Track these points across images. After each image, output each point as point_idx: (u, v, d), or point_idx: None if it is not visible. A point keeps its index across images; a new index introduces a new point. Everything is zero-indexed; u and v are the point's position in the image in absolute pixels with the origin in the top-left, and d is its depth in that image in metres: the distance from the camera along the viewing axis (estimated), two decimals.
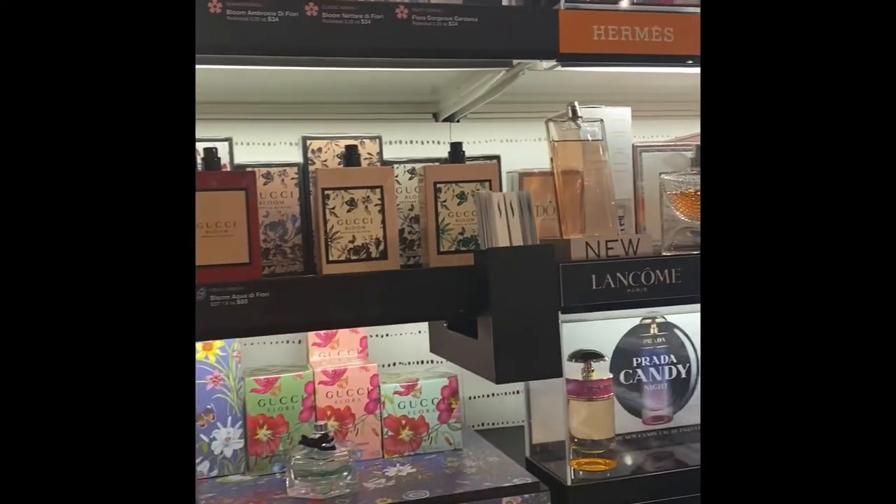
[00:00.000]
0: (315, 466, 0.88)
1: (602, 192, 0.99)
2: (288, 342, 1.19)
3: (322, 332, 1.08)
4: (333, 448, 0.90)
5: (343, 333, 1.09)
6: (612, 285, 0.89)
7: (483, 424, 1.28)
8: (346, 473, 0.89)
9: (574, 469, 0.95)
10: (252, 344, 1.16)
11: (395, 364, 1.23)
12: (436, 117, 1.27)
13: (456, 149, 0.94)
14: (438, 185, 0.91)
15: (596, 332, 1.04)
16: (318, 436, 0.90)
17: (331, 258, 0.86)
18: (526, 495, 0.88)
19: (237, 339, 1.00)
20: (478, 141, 1.27)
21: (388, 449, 1.03)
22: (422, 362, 1.24)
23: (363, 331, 1.10)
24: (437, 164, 0.95)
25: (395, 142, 1.24)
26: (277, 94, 1.11)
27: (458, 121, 1.26)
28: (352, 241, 0.86)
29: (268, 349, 1.17)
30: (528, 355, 0.81)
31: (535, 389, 1.04)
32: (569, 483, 0.90)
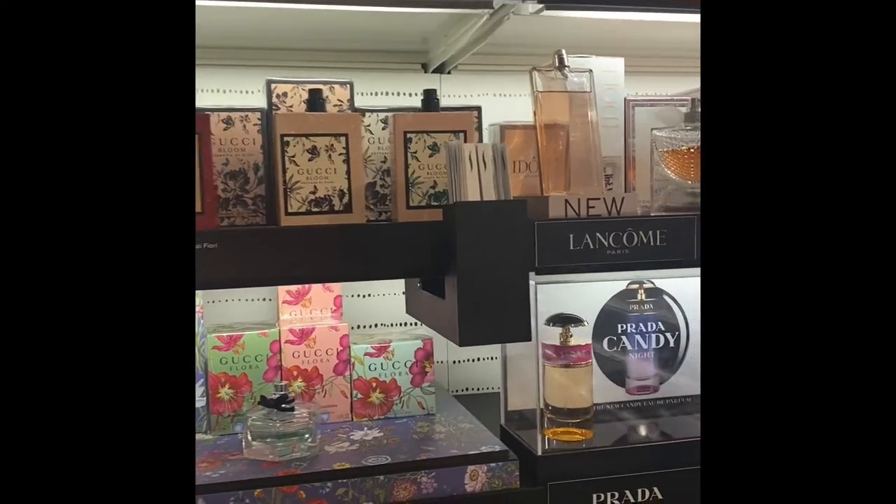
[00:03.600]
0: (273, 428, 0.84)
1: (589, 148, 0.93)
2: (257, 300, 1.15)
3: (293, 290, 1.04)
4: (293, 409, 0.86)
5: (316, 292, 1.05)
6: (591, 246, 0.83)
7: (467, 389, 1.24)
8: (307, 436, 0.85)
9: (548, 438, 0.91)
10: (220, 301, 1.12)
11: (372, 325, 1.19)
12: (425, 69, 1.21)
13: (429, 96, 0.88)
14: (409, 135, 0.85)
15: (579, 295, 0.99)
16: (276, 396, 0.86)
17: (290, 210, 0.81)
18: (493, 464, 0.83)
19: (199, 294, 0.95)
20: (469, 94, 1.21)
21: (358, 412, 0.99)
22: (403, 324, 1.19)
23: (337, 289, 1.06)
24: (408, 112, 0.89)
25: (383, 93, 1.19)
26: (249, 38, 1.06)
27: (448, 72, 1.20)
28: (313, 193, 0.81)
29: (237, 307, 1.14)
30: (495, 317, 0.76)
31: (514, 354, 0.99)
32: (539, 452, 0.86)
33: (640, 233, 0.85)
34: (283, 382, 0.89)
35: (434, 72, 1.20)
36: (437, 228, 0.80)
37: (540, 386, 0.91)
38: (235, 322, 1.03)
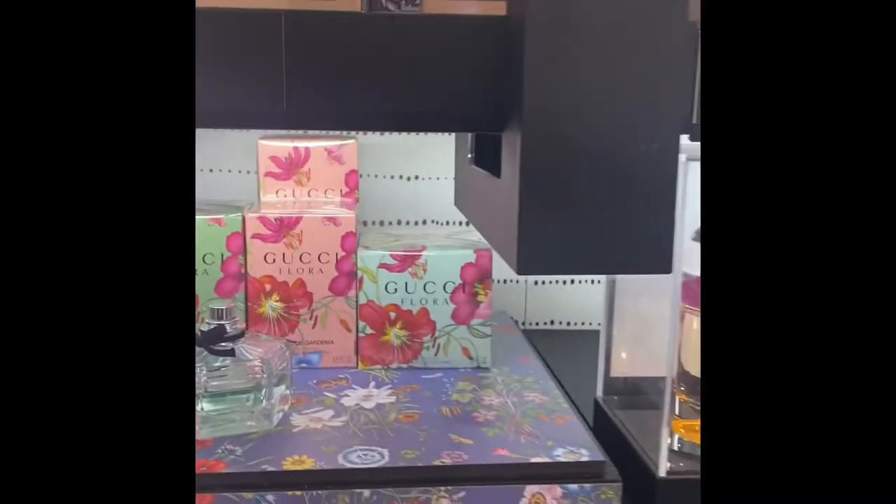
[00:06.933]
0: (198, 381, 0.49)
1: None
2: (225, 170, 0.80)
3: (283, 155, 0.67)
4: (232, 352, 0.50)
5: (318, 162, 0.67)
6: None
7: (552, 323, 0.86)
8: (255, 399, 0.50)
9: (680, 437, 0.52)
10: None
11: (399, 222, 0.82)
12: None
13: None
14: None
15: None
16: (211, 326, 0.51)
17: None
18: (573, 485, 0.46)
19: None
20: None
21: (366, 355, 0.63)
22: (450, 223, 0.82)
23: (352, 161, 0.68)
24: None
25: None
26: None
27: None
28: None
29: (201, 178, 0.79)
30: (594, 214, 0.36)
31: (625, 285, 0.60)
32: (660, 471, 0.47)
33: None
34: (229, 303, 0.53)
35: None
36: (492, 30, 0.40)
37: (675, 343, 0.51)
38: None
